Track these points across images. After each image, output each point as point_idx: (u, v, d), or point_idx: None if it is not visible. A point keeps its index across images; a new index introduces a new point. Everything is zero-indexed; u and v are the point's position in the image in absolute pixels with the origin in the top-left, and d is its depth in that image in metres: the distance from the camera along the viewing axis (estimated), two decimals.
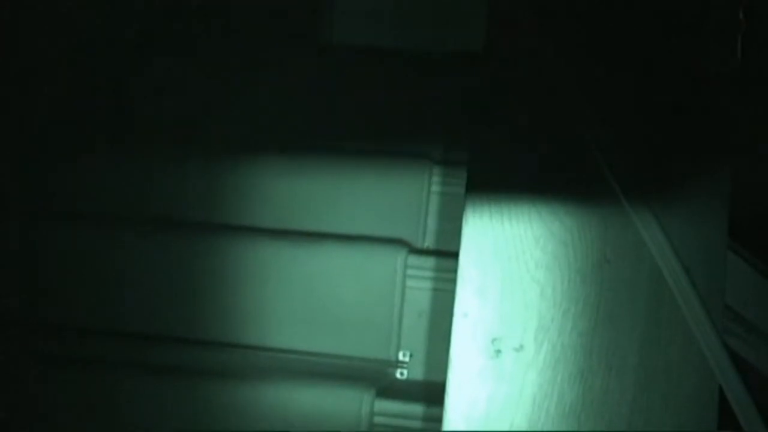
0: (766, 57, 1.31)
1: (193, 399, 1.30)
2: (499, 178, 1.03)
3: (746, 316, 0.98)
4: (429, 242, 1.52)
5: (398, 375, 1.39)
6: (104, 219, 1.60)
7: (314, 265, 1.45)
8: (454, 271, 1.02)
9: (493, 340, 0.98)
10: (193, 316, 1.45)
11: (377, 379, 1.34)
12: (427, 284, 1.42)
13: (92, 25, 1.96)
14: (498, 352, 0.98)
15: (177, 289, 1.47)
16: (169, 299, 1.46)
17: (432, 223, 1.52)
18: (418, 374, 1.39)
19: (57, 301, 1.52)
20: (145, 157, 1.68)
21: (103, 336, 1.47)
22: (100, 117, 1.84)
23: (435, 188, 1.53)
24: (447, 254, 1.41)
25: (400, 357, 1.39)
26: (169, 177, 1.63)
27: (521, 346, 0.97)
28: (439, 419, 0.99)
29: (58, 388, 1.35)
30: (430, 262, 1.43)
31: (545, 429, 0.95)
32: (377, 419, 1.25)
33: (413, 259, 1.43)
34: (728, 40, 1.08)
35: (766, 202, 1.20)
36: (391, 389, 1.31)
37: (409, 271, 1.42)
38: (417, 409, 1.25)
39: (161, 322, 1.46)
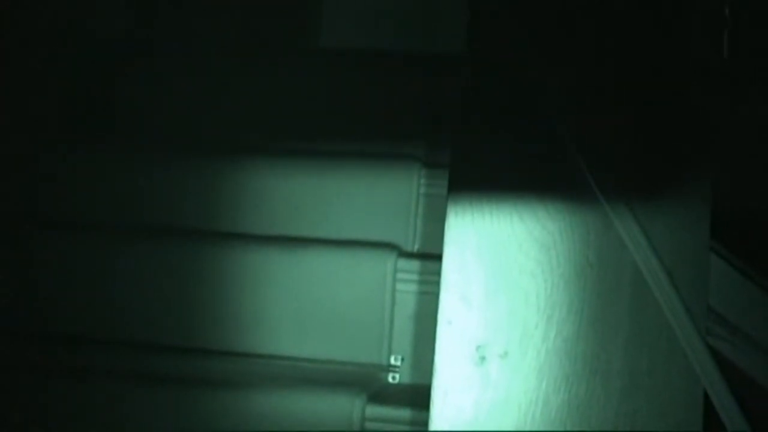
0: (753, 55, 1.31)
1: (184, 407, 1.30)
2: (480, 183, 1.03)
3: (730, 319, 0.98)
4: (419, 245, 1.52)
5: (390, 379, 1.39)
6: (96, 227, 1.60)
7: (304, 271, 1.45)
8: None
9: (478, 347, 0.98)
10: (183, 324, 1.45)
11: (369, 383, 1.34)
12: (418, 287, 1.42)
13: (84, 24, 1.96)
14: (483, 359, 0.98)
15: (167, 297, 1.47)
16: (158, 307, 1.46)
17: (421, 225, 1.52)
18: (410, 378, 1.39)
19: (50, 310, 1.52)
20: (135, 164, 1.67)
21: (94, 345, 1.47)
22: (92, 123, 1.84)
23: (424, 190, 1.53)
24: (437, 257, 1.40)
25: (392, 361, 1.40)
26: (158, 183, 1.63)
27: (506, 353, 0.97)
28: None
29: (53, 398, 1.35)
30: (420, 265, 1.43)
31: None
32: (369, 425, 1.25)
33: (403, 263, 1.43)
34: (713, 38, 1.07)
35: (748, 203, 1.20)
36: (383, 394, 1.31)
37: (400, 275, 1.42)
38: (409, 413, 1.25)
39: (151, 331, 1.46)
